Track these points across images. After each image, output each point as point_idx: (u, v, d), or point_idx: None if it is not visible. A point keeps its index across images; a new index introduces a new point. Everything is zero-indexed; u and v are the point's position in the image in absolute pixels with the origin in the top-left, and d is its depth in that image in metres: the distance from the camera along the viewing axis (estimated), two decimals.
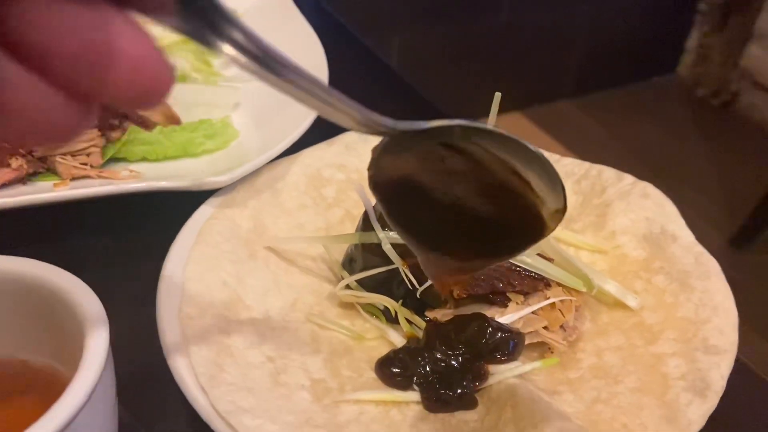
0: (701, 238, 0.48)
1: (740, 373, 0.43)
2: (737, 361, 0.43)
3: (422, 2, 1.72)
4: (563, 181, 0.54)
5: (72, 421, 0.29)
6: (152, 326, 0.42)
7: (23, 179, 0.52)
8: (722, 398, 0.39)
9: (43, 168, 0.53)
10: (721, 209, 1.80)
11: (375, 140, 0.58)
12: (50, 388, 0.36)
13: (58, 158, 0.53)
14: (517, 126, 2.03)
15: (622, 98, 2.21)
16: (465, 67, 1.88)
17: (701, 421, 0.37)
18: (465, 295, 0.43)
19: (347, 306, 0.48)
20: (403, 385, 0.41)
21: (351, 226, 0.53)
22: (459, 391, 0.40)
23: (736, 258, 1.65)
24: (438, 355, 0.41)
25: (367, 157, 0.57)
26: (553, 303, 0.43)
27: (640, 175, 0.53)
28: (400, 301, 0.45)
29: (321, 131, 0.59)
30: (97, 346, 0.31)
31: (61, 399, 0.29)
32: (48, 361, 0.37)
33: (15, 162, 0.51)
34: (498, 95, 0.46)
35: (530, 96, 2.07)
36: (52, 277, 0.35)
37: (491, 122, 0.48)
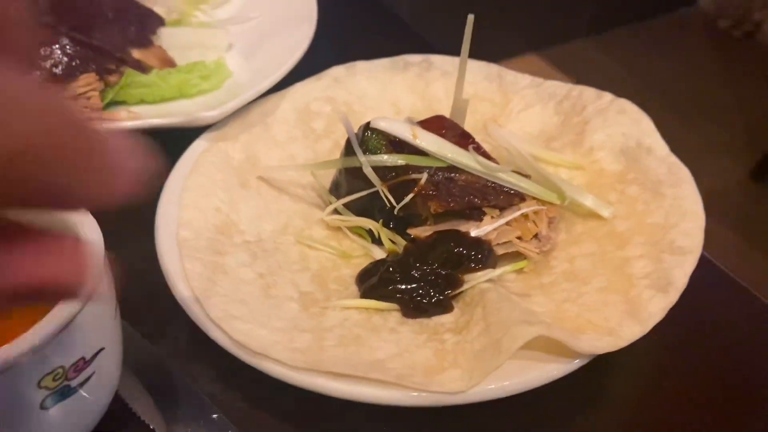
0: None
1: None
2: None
3: None
4: (547, 103, 0.55)
5: (74, 317, 0.32)
6: (153, 252, 0.45)
7: None
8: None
9: None
10: (742, 142, 1.77)
11: (363, 74, 0.60)
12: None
13: None
14: (532, 67, 1.98)
15: (641, 34, 2.14)
16: (475, 8, 1.84)
17: (661, 314, 0.39)
18: (441, 211, 0.45)
19: (335, 229, 0.50)
20: (382, 294, 0.44)
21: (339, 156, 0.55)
22: (435, 298, 0.43)
23: (757, 190, 1.64)
24: (414, 269, 0.44)
25: (355, 90, 0.59)
26: (526, 214, 0.45)
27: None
28: (381, 221, 0.48)
29: (309, 67, 0.60)
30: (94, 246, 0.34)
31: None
32: None
33: None
34: (471, 17, 0.47)
35: (545, 37, 2.02)
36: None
37: (465, 46, 0.49)
